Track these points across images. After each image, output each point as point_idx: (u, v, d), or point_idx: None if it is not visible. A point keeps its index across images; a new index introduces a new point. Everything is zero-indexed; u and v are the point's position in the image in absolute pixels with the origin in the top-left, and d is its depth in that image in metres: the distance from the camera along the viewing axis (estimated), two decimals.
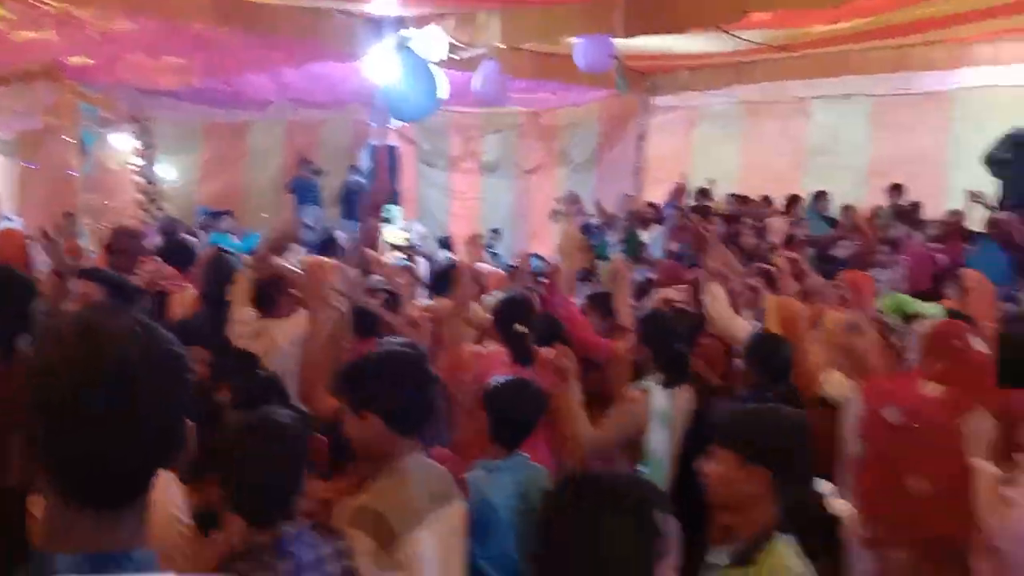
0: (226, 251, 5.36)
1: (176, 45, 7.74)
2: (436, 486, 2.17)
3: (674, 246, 8.10)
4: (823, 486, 2.98)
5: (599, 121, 11.43)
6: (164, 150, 10.70)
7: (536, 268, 8.41)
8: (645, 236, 9.05)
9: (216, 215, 9.86)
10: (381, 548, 1.95)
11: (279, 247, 3.97)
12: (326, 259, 4.12)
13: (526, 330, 3.35)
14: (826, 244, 7.66)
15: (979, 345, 3.17)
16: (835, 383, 3.33)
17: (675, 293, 4.78)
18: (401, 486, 2.07)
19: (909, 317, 4.03)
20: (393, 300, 4.19)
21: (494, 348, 3.52)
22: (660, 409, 3.24)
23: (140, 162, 9.84)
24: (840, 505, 2.86)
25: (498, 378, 2.97)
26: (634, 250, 8.94)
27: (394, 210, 12.07)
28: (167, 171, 10.83)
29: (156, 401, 0.96)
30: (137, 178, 9.82)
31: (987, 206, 7.28)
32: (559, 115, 11.65)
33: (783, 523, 2.86)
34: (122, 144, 9.90)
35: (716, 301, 3.86)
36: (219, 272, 4.12)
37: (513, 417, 2.81)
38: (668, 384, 3.33)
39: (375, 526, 1.97)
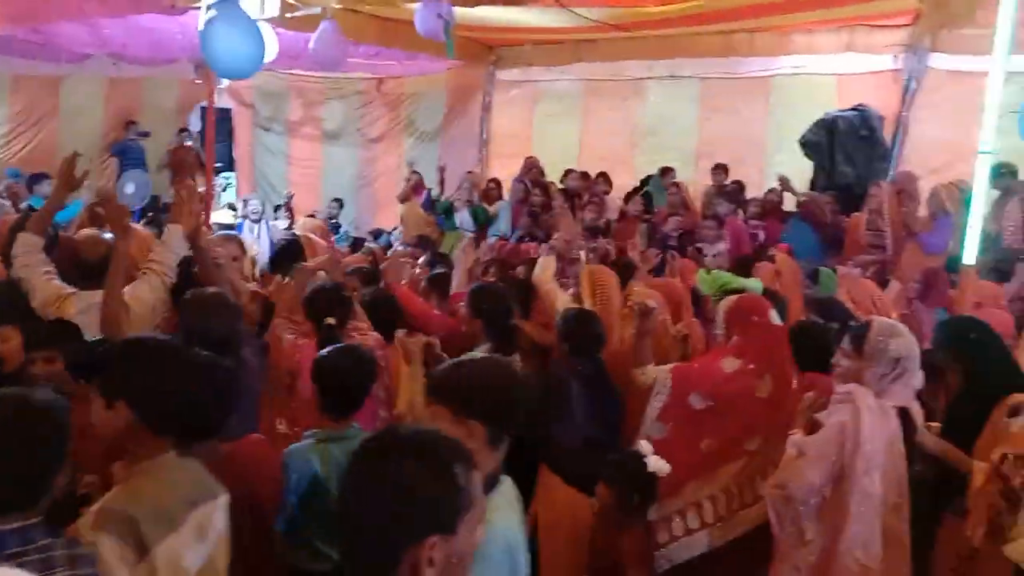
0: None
1: None
2: (192, 487, 1.98)
3: (520, 220, 8.17)
4: (643, 446, 3.12)
5: (445, 91, 11.34)
6: None
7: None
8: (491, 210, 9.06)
9: (37, 178, 9.00)
10: (133, 555, 1.77)
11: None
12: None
13: (334, 322, 3.29)
14: (658, 220, 7.98)
15: (776, 320, 3.40)
16: (650, 373, 3.49)
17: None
18: (154, 487, 1.90)
19: (729, 292, 4.27)
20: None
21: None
22: None
23: None
24: (658, 463, 3.01)
25: (328, 348, 2.92)
26: (480, 224, 8.95)
27: (231, 176, 11.57)
28: None
29: None
30: None
31: (793, 192, 7.81)
32: (405, 83, 11.46)
33: (607, 477, 3.04)
34: None
35: (543, 271, 3.93)
36: None
37: (343, 385, 2.76)
38: (496, 353, 3.36)
39: (126, 530, 1.78)
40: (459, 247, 7.07)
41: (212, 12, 5.00)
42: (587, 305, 4.17)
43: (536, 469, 3.44)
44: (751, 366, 3.28)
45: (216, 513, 2.01)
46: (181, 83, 11.17)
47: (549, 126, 10.75)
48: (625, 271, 4.68)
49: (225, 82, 10.11)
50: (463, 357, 2.02)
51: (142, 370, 1.94)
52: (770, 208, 7.87)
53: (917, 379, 2.89)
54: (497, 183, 9.41)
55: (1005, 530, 2.90)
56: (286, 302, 3.68)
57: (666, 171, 8.97)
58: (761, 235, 7.23)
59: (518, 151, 10.63)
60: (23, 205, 7.59)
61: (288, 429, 3.29)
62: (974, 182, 3.60)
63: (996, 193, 6.54)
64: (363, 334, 3.54)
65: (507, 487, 1.91)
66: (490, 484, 1.85)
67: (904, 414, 2.85)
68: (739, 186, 8.63)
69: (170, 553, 1.83)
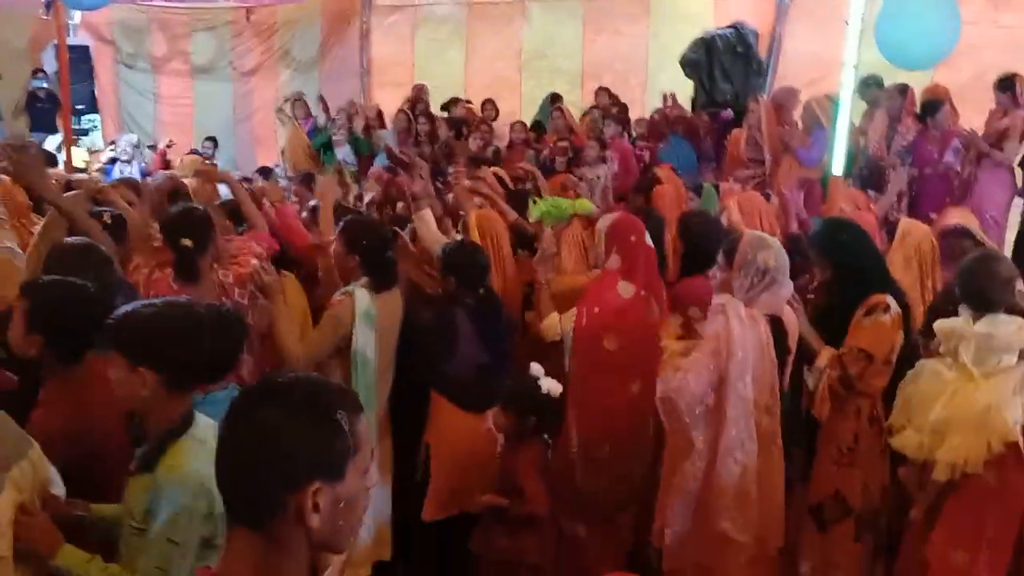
0: None
1: None
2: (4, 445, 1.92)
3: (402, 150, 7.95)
4: (535, 368, 3.16)
5: (321, 18, 10.86)
6: None
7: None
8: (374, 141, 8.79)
9: None
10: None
11: None
12: None
13: (191, 243, 3.13)
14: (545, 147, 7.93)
15: (649, 240, 3.46)
16: (551, 326, 3.48)
17: None
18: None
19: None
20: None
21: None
22: (364, 310, 3.22)
23: None
24: (550, 384, 3.06)
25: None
26: (363, 156, 8.70)
27: (95, 119, 10.85)
28: None
29: None
30: None
31: (676, 105, 7.91)
32: (277, 12, 10.91)
33: (502, 402, 3.07)
34: None
35: (423, 224, 3.87)
36: None
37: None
38: (375, 289, 3.31)
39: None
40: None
41: None
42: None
43: (427, 399, 3.43)
44: (642, 292, 3.33)
45: (36, 461, 1.99)
46: (31, 20, 10.28)
47: (432, 53, 10.49)
48: (519, 201, 4.64)
49: (77, 17, 9.36)
50: (141, 303, 2.01)
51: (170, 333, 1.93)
52: (652, 127, 7.94)
53: (786, 288, 3.00)
54: (379, 114, 9.12)
55: (879, 420, 3.14)
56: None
57: (555, 98, 8.89)
58: (647, 155, 7.30)
59: (401, 80, 10.35)
60: None
61: None
62: (840, 94, 3.69)
63: (864, 106, 6.79)
64: (241, 261, 3.36)
65: (201, 428, 1.96)
66: (178, 429, 1.93)
67: (775, 322, 2.95)
68: (623, 107, 8.67)
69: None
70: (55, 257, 2.71)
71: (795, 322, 3.09)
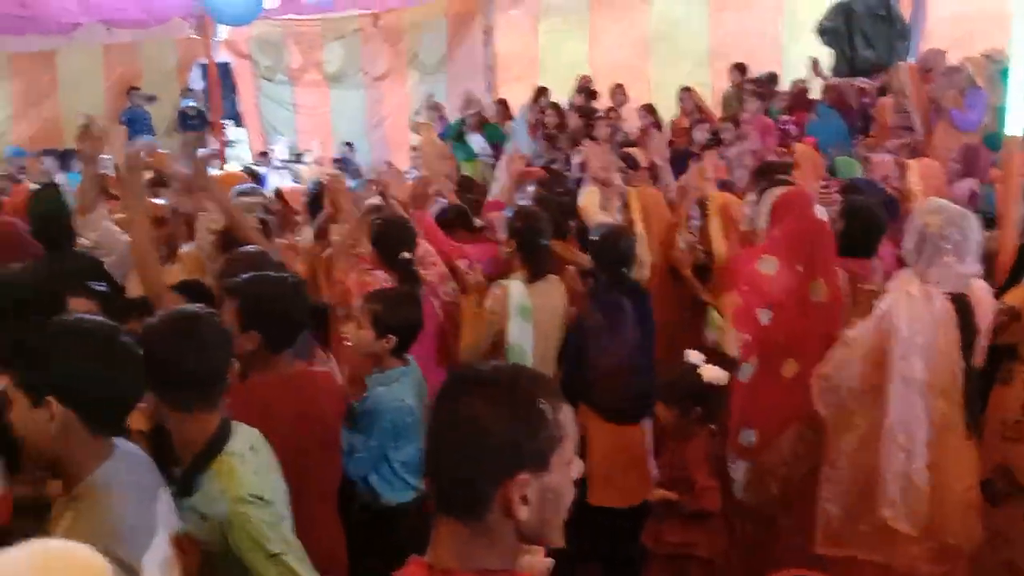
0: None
1: None
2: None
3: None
4: (692, 356, 3.06)
5: (445, 19, 11.03)
6: None
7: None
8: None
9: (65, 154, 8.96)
10: None
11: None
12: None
13: (411, 256, 3.23)
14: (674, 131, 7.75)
15: (822, 215, 3.27)
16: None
17: None
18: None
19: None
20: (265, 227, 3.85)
21: (379, 275, 3.36)
22: (518, 303, 3.20)
23: None
24: (712, 372, 2.95)
25: (380, 289, 2.94)
26: (495, 144, 8.73)
27: (239, 132, 11.43)
28: None
29: None
30: None
31: (820, 72, 7.54)
32: (403, 16, 11.16)
33: (663, 398, 2.99)
34: None
35: (588, 200, 3.86)
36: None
37: (400, 325, 2.75)
38: (531, 279, 3.28)
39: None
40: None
41: None
42: (638, 228, 4.09)
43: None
44: (799, 268, 3.14)
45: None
46: (178, 42, 10.96)
47: (555, 44, 10.44)
48: None
49: (223, 35, 9.89)
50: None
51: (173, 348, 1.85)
52: (797, 99, 7.60)
53: (969, 264, 2.75)
54: (504, 103, 9.18)
55: None
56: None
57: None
58: (793, 129, 6.97)
59: (525, 74, 10.38)
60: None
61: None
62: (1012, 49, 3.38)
63: None
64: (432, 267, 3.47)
65: (238, 440, 1.89)
66: (212, 449, 1.86)
67: (959, 300, 2.72)
68: (772, 77, 8.35)
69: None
70: (232, 265, 2.78)
71: (987, 301, 2.85)
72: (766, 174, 4.67)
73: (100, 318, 1.78)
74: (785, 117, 7.46)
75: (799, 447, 3.04)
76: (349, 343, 2.90)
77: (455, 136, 8.64)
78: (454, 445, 1.20)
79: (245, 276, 2.38)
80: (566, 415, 1.24)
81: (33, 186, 5.77)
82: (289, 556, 1.83)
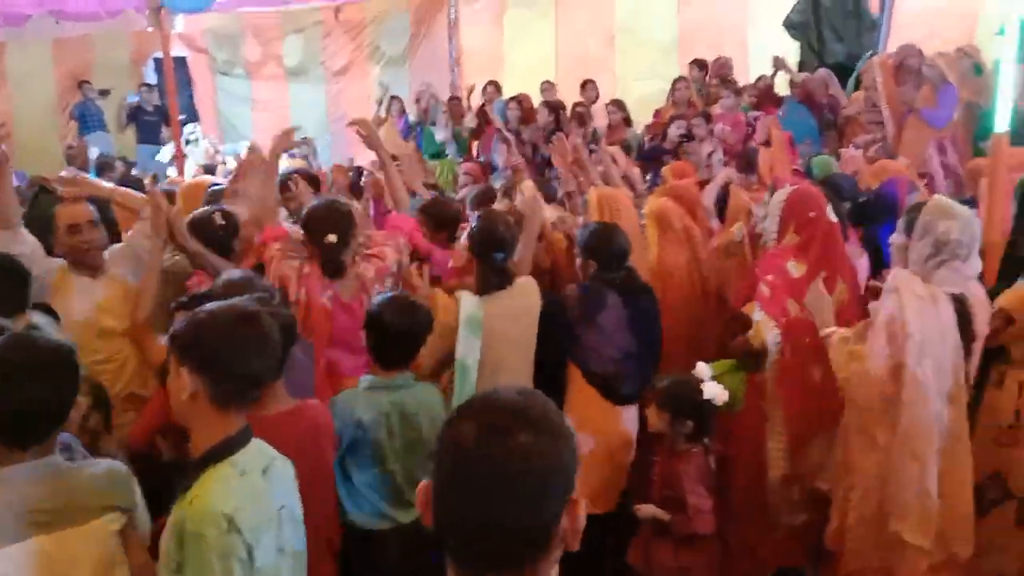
0: None
1: None
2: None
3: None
4: (702, 369, 2.98)
5: (409, 11, 10.84)
6: None
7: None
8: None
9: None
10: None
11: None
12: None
13: (335, 239, 3.07)
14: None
15: (832, 215, 3.22)
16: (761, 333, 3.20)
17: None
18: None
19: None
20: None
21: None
22: (468, 315, 3.09)
23: None
24: (715, 390, 2.88)
25: (381, 296, 2.85)
26: (463, 149, 8.66)
27: (195, 128, 11.11)
28: None
29: None
30: None
31: (788, 70, 7.50)
32: (365, 8, 10.94)
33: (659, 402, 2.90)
34: None
35: (526, 194, 3.77)
36: None
37: (396, 337, 2.70)
38: (484, 290, 3.19)
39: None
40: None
41: None
42: None
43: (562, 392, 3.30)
44: (823, 273, 3.09)
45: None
46: (132, 36, 10.60)
47: (521, 36, 10.33)
48: None
49: (179, 27, 9.57)
50: (201, 309, 1.86)
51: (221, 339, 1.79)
52: (764, 95, 7.57)
53: (972, 265, 2.73)
54: (458, 99, 9.08)
55: None
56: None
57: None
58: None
59: (491, 66, 10.25)
60: None
61: None
62: (1004, 47, 3.35)
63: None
64: (378, 253, 3.33)
65: (249, 455, 1.82)
66: (219, 452, 1.78)
67: (959, 301, 2.68)
68: (728, 72, 8.28)
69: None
70: (223, 290, 2.64)
71: (984, 302, 2.81)
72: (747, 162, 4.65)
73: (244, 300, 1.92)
74: (754, 113, 7.44)
75: (826, 456, 2.98)
76: None
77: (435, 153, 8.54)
78: (514, 491, 1.08)
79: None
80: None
81: None
82: None
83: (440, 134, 8.78)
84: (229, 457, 1.77)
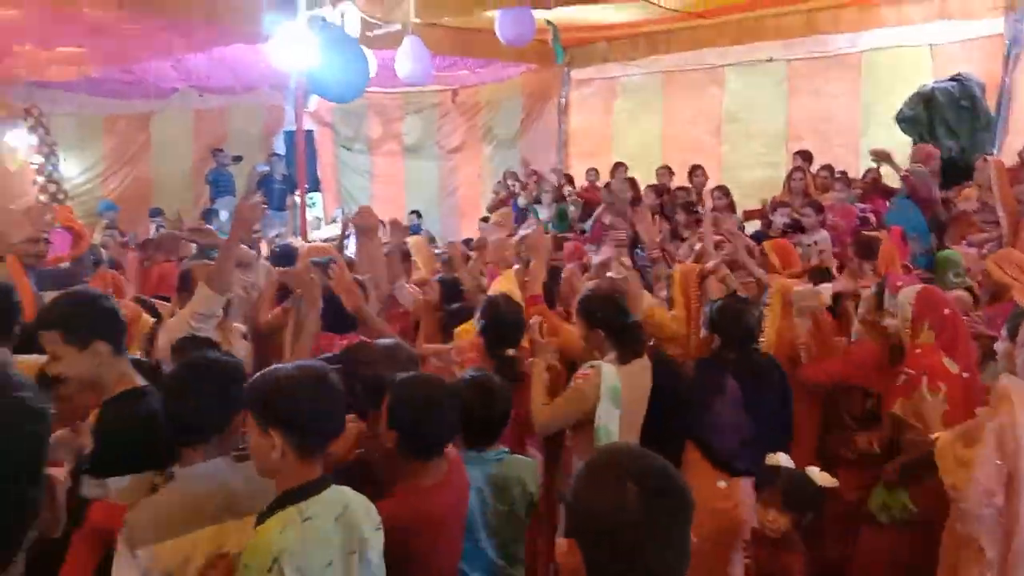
0: None
1: (69, 33, 7.28)
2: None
3: (606, 219, 8.04)
4: (782, 458, 2.99)
5: (521, 96, 11.33)
6: (64, 146, 10.12)
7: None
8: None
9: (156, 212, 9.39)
10: None
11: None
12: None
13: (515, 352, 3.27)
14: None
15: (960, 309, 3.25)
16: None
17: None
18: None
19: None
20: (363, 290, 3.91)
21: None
22: (610, 385, 3.17)
23: (40, 160, 9.23)
24: (824, 476, 2.89)
25: (465, 377, 2.81)
26: (563, 224, 8.90)
27: (316, 196, 11.80)
28: (68, 168, 10.26)
29: None
30: (39, 177, 9.21)
31: (891, 164, 7.42)
32: (480, 92, 11.51)
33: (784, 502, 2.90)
34: (19, 142, 9.27)
35: (621, 272, 3.89)
36: None
37: (481, 417, 2.67)
38: (622, 360, 3.26)
39: None
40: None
41: (308, 38, 5.07)
42: (677, 307, 4.09)
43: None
44: (965, 373, 3.11)
45: None
46: (265, 109, 11.46)
47: (628, 121, 10.63)
48: None
49: (312, 105, 10.33)
50: (275, 366, 2.00)
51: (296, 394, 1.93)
52: (871, 187, 7.52)
53: None
54: (570, 178, 9.41)
55: None
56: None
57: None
58: (872, 218, 6.88)
59: (597, 149, 10.56)
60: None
61: None
62: None
63: None
64: None
65: (322, 502, 1.91)
66: (291, 496, 1.89)
67: None
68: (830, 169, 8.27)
69: None
70: (366, 355, 2.69)
71: None
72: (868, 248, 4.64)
73: (317, 361, 2.06)
74: (862, 205, 7.38)
75: None
76: None
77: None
78: (673, 543, 1.25)
79: (396, 376, 2.38)
80: None
81: None
82: None
83: (544, 212, 9.08)
84: (300, 503, 1.89)
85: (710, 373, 3.34)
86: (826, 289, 4.42)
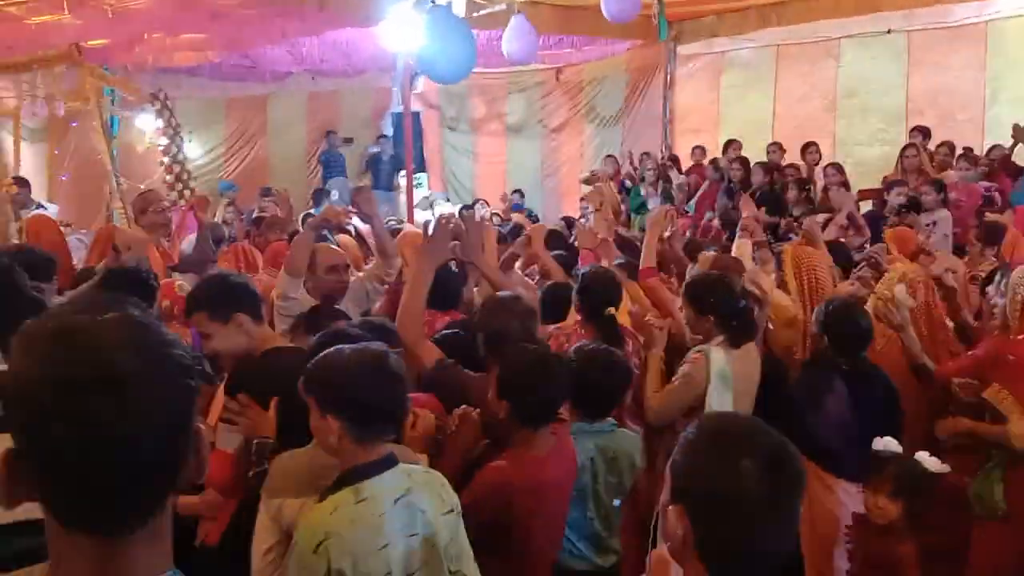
0: None
1: (193, 20, 7.65)
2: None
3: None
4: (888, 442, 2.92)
5: (625, 73, 11.20)
6: (187, 128, 10.66)
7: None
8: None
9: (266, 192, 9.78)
10: None
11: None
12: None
13: (614, 311, 3.23)
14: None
15: None
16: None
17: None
18: None
19: None
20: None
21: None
22: (719, 370, 3.12)
23: (165, 142, 9.77)
24: (934, 462, 2.81)
25: (583, 347, 2.86)
26: (669, 202, 8.81)
27: (422, 177, 12.07)
28: (191, 149, 10.80)
29: (152, 413, 0.86)
30: (164, 158, 9.76)
31: None
32: (584, 70, 11.43)
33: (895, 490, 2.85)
34: (147, 125, 9.84)
35: (738, 247, 3.83)
36: None
37: (599, 387, 2.72)
38: (733, 344, 3.20)
39: None
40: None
41: (417, 21, 5.19)
42: (792, 290, 3.97)
43: None
44: None
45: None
46: (373, 91, 11.76)
47: (736, 98, 10.35)
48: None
49: (420, 87, 10.55)
50: (335, 349, 1.98)
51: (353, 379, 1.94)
52: (999, 164, 7.10)
53: None
54: (675, 160, 9.26)
55: None
56: None
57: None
58: (997, 197, 6.52)
59: (704, 126, 10.35)
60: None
61: None
62: None
63: None
64: None
65: (381, 484, 1.90)
66: (346, 479, 1.89)
67: None
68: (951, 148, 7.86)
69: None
70: (489, 309, 2.79)
71: None
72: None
73: (375, 343, 2.04)
74: (987, 183, 7.00)
75: None
76: None
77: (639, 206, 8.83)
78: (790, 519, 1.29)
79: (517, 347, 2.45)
80: None
81: None
82: None
83: (646, 190, 9.01)
84: (356, 484, 1.88)
85: (819, 374, 3.27)
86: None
